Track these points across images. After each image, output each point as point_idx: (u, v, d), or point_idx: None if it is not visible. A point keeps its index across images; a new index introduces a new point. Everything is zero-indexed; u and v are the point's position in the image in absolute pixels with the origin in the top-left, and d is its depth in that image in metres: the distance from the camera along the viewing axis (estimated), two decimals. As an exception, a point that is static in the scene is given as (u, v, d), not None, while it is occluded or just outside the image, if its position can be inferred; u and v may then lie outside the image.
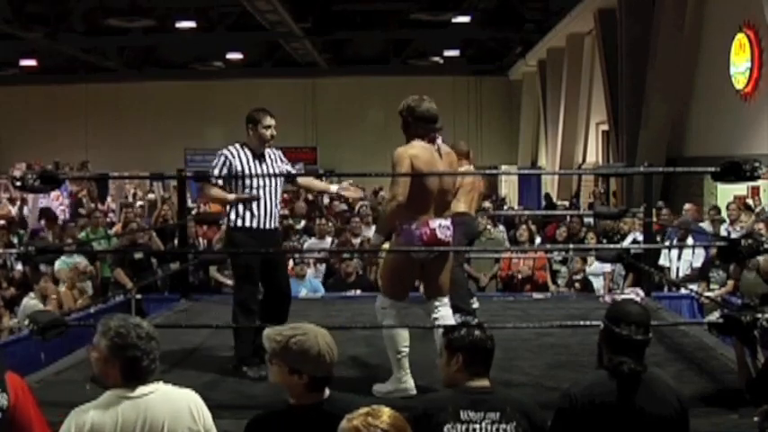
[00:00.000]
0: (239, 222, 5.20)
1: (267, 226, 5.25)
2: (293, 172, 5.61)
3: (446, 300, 4.84)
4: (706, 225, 9.94)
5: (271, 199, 5.27)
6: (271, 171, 5.27)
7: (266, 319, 4.95)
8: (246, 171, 5.18)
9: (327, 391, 2.85)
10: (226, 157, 5.21)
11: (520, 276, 9.64)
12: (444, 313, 4.77)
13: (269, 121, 5.24)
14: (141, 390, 2.73)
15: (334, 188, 5.86)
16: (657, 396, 3.00)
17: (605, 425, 2.96)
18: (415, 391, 4.58)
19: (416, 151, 4.63)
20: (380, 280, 4.97)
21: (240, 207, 5.19)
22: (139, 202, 15.55)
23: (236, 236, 5.24)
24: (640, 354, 3.02)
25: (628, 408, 2.95)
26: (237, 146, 5.28)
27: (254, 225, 5.20)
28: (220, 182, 5.23)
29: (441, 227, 4.66)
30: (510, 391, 3.25)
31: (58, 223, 11.13)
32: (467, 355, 3.07)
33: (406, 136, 4.76)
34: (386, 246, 5.16)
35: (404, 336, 4.67)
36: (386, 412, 2.33)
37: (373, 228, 10.73)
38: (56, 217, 12.53)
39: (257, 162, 5.26)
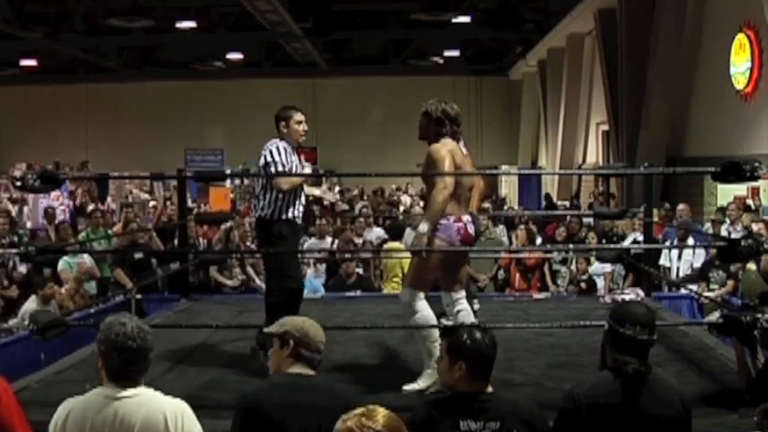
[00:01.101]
0: (284, 215, 5.29)
1: (300, 220, 5.47)
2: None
3: (463, 292, 4.98)
4: (707, 226, 9.93)
5: (303, 194, 5.46)
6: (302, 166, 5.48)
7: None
8: (289, 165, 5.29)
9: (313, 372, 3.08)
10: (278, 148, 5.27)
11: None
12: (465, 307, 4.91)
13: (300, 116, 5.39)
14: (127, 392, 2.75)
15: (317, 191, 6.24)
16: (661, 397, 3.00)
17: (609, 426, 2.95)
18: None
19: (452, 147, 4.80)
20: (411, 273, 4.93)
21: (282, 200, 5.26)
22: (152, 203, 15.54)
23: (280, 228, 5.30)
24: (645, 354, 3.02)
25: (632, 409, 2.95)
26: (277, 140, 5.36)
27: (295, 217, 5.36)
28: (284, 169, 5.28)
29: (468, 222, 4.83)
30: (511, 395, 3.17)
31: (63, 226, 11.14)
32: (470, 363, 2.98)
33: (430, 136, 4.85)
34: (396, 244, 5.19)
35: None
36: (380, 413, 2.33)
37: (374, 229, 10.86)
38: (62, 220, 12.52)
39: (295, 157, 5.41)
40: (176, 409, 2.78)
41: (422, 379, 4.70)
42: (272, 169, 5.23)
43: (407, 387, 4.70)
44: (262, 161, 5.30)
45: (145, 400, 2.76)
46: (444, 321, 5.96)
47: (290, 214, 5.31)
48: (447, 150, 4.74)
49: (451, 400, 2.99)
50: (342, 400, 2.91)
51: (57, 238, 10.51)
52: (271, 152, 5.26)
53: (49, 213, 13.26)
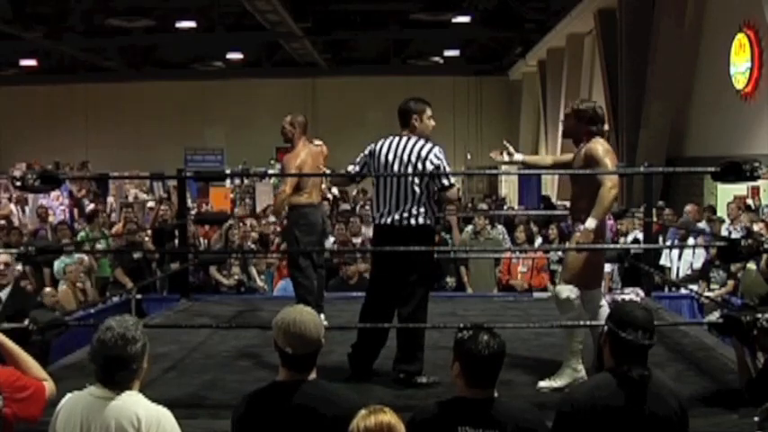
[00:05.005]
0: (429, 220, 4.98)
1: None
2: None
3: (601, 289, 5.08)
4: (702, 225, 9.94)
5: None
6: None
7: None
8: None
9: (314, 375, 2.96)
10: (441, 150, 4.94)
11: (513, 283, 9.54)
12: (605, 303, 4.94)
13: (431, 111, 5.05)
14: (114, 393, 2.77)
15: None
16: (659, 399, 2.99)
17: (607, 428, 2.94)
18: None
19: (609, 147, 4.88)
20: (569, 270, 4.85)
21: (431, 204, 4.97)
22: (150, 203, 15.49)
23: (431, 233, 5.07)
24: (645, 358, 3.00)
25: (629, 411, 2.94)
26: (422, 140, 4.95)
27: None
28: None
29: None
30: (512, 400, 3.08)
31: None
32: (465, 363, 2.89)
33: (579, 134, 4.91)
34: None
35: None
36: (387, 412, 2.34)
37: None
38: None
39: None
40: (153, 417, 2.76)
41: (559, 377, 4.69)
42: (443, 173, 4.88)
43: (542, 383, 4.68)
44: (428, 164, 4.82)
45: (124, 403, 2.76)
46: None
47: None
48: (606, 150, 4.80)
49: (452, 405, 2.93)
50: (343, 407, 2.83)
51: (55, 239, 10.50)
52: (436, 155, 4.85)
53: (40, 213, 13.24)
